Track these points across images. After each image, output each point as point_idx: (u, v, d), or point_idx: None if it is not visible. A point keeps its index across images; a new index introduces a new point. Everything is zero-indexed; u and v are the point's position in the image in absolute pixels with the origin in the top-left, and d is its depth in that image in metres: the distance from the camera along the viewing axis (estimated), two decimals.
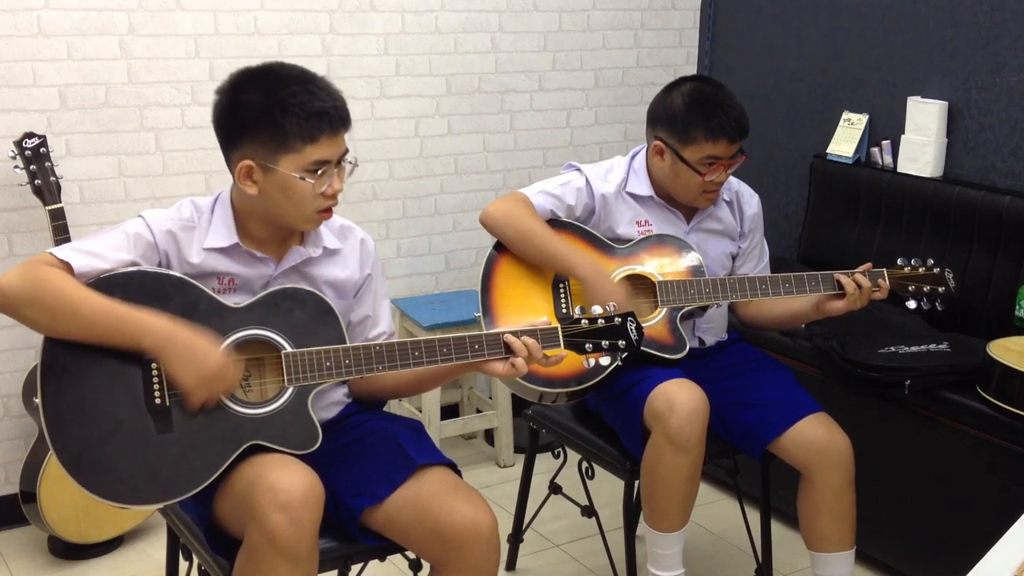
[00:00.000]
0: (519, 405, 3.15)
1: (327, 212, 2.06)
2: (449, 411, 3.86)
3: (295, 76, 2.00)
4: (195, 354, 1.91)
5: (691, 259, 2.61)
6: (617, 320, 2.16)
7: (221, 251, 2.06)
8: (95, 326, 1.89)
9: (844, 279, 2.52)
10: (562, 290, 2.57)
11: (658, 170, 2.63)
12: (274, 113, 1.95)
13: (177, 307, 1.98)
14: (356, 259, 2.21)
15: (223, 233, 2.06)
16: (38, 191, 2.93)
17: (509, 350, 2.07)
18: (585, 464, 2.83)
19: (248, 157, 1.98)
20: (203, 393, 1.92)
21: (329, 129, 1.98)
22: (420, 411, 3.61)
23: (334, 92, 2.02)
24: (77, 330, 1.89)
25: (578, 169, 2.68)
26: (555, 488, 3.00)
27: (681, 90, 2.57)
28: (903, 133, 3.45)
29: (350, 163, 2.07)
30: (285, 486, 1.87)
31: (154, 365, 1.93)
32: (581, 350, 2.14)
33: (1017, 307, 3.03)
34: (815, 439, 2.50)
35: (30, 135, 2.93)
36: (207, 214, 2.08)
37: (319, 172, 1.99)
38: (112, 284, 1.95)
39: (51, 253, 1.94)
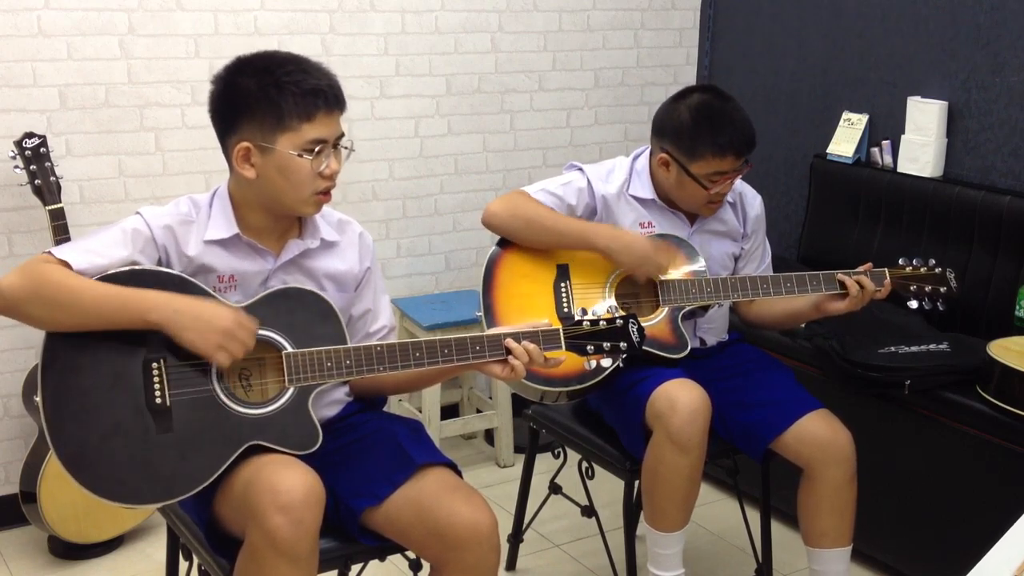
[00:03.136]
0: (519, 405, 3.15)
1: (326, 195, 2.06)
2: (449, 411, 3.86)
3: (289, 58, 2.03)
4: (205, 318, 1.91)
5: (692, 259, 2.61)
6: (619, 322, 2.15)
7: (221, 244, 2.06)
8: (99, 311, 1.89)
9: (847, 280, 2.52)
10: (563, 289, 2.57)
11: (663, 179, 2.62)
12: (270, 92, 1.96)
13: None
14: (355, 252, 2.22)
15: (223, 224, 2.06)
16: (38, 191, 2.93)
17: (510, 352, 2.08)
18: (585, 464, 2.83)
19: (245, 139, 1.99)
20: (225, 354, 1.91)
21: (324, 107, 1.99)
22: (420, 411, 3.61)
23: (328, 72, 2.04)
24: (81, 318, 1.89)
25: (580, 169, 2.68)
26: (555, 488, 3.00)
27: (688, 103, 2.55)
28: (903, 133, 3.45)
29: (346, 147, 2.08)
30: (286, 486, 1.87)
31: (154, 364, 1.93)
32: (582, 352, 2.14)
33: (1017, 307, 3.03)
34: (817, 435, 2.50)
35: (30, 135, 2.93)
36: (205, 208, 2.08)
37: (316, 151, 2.00)
38: (112, 284, 1.94)
39: (50, 253, 1.95)
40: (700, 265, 2.60)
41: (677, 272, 2.59)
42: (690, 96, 2.57)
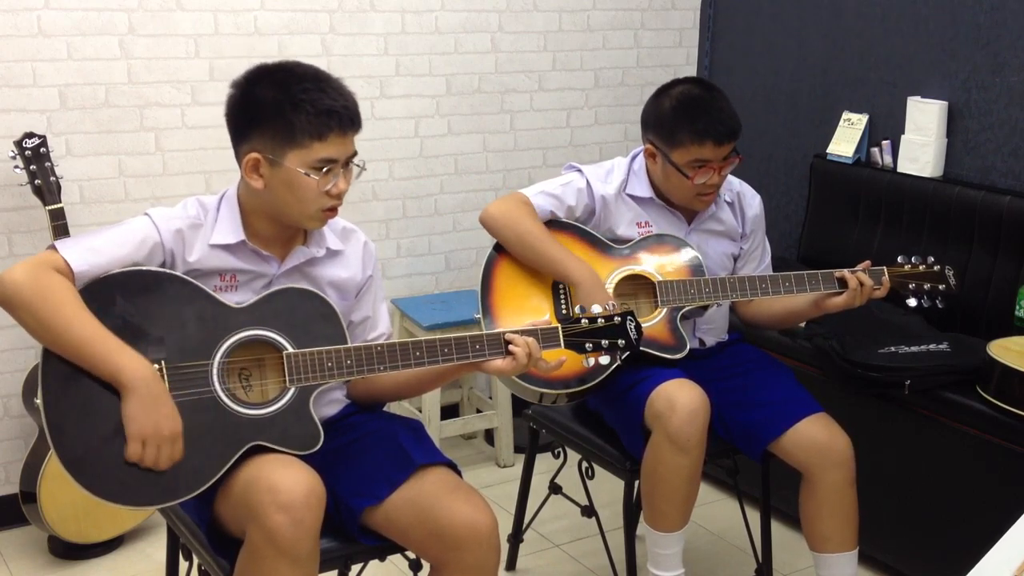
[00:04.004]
0: (519, 405, 3.15)
1: (331, 212, 2.06)
2: (449, 411, 3.86)
3: (309, 75, 2.02)
4: (156, 410, 1.87)
5: (691, 259, 2.61)
6: (616, 319, 2.16)
7: (227, 248, 2.06)
8: (79, 351, 1.87)
9: (847, 275, 2.52)
10: (562, 291, 2.57)
11: (652, 173, 2.63)
12: (285, 108, 1.96)
13: (178, 307, 1.98)
14: (359, 260, 2.22)
15: (229, 230, 2.06)
16: (38, 191, 2.93)
17: (508, 350, 2.08)
18: (585, 464, 2.83)
19: (256, 150, 1.99)
20: (139, 447, 1.87)
21: (338, 128, 1.99)
22: (420, 411, 3.61)
23: (346, 93, 2.03)
24: (61, 347, 1.88)
25: (579, 170, 2.68)
26: (555, 488, 3.00)
27: (671, 93, 2.57)
28: (903, 133, 3.45)
29: (358, 166, 2.08)
30: (286, 486, 1.87)
31: (156, 366, 1.93)
32: (581, 349, 2.14)
33: (1017, 307, 3.03)
34: (816, 439, 2.50)
35: (30, 135, 2.93)
36: (213, 212, 2.08)
37: (325, 170, 2.00)
38: (112, 284, 1.95)
39: (56, 250, 1.94)
40: (695, 259, 2.59)
41: (674, 269, 2.60)
42: (674, 88, 2.59)
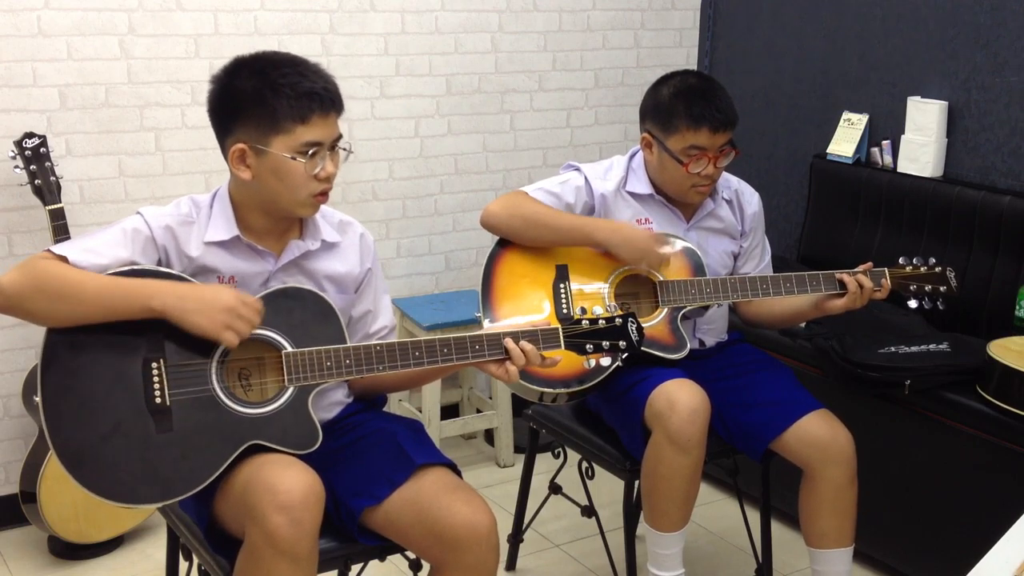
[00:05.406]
0: (519, 405, 3.15)
1: (323, 196, 2.06)
2: (449, 411, 3.86)
3: (286, 60, 2.03)
4: (208, 299, 1.92)
5: (693, 259, 2.61)
6: (618, 321, 2.16)
7: (221, 245, 2.06)
8: (102, 300, 1.89)
9: (847, 277, 2.52)
10: (562, 290, 2.57)
11: (649, 165, 2.64)
12: (265, 94, 1.96)
13: None
14: (356, 253, 2.22)
15: (223, 226, 2.06)
16: (38, 191, 2.93)
17: (504, 360, 2.08)
18: (585, 464, 2.83)
19: (241, 141, 2.00)
20: (232, 333, 1.92)
21: (320, 109, 1.99)
22: (420, 411, 3.61)
23: (325, 75, 2.03)
24: (84, 308, 1.89)
25: (577, 168, 2.69)
26: (555, 488, 3.00)
27: (670, 82, 2.59)
28: (903, 133, 3.45)
29: (344, 149, 2.07)
30: (285, 486, 1.87)
31: (154, 364, 1.93)
32: (581, 351, 2.14)
33: (1017, 307, 3.03)
34: (817, 435, 2.50)
35: (30, 135, 2.93)
36: (206, 209, 2.08)
37: (311, 153, 2.00)
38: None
39: (49, 251, 1.95)
40: (696, 259, 2.60)
41: (676, 269, 2.59)
42: (673, 77, 2.61)
